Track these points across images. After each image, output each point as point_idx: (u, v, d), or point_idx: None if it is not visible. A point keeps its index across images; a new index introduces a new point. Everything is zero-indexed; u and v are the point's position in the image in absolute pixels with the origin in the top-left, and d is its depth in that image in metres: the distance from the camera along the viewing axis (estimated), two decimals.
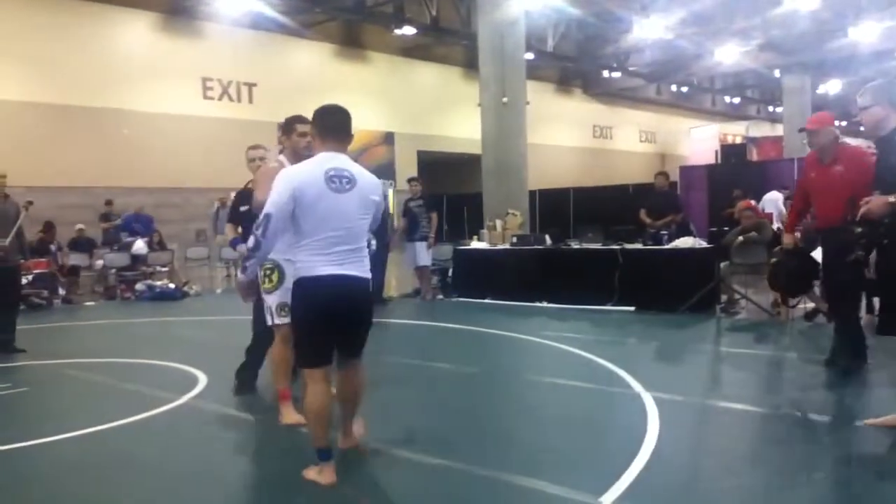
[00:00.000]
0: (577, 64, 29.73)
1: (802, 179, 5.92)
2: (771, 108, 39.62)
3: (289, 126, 4.71)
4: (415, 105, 27.60)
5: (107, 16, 19.41)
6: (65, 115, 18.37)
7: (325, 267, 3.47)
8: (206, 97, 21.63)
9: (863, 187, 4.94)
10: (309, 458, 3.70)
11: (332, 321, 3.53)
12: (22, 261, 7.75)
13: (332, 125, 3.69)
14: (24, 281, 8.85)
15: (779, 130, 34.13)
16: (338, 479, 3.56)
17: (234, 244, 5.52)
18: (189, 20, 20.93)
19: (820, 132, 5.53)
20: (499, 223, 12.08)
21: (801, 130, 5.83)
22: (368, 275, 3.65)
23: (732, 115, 38.53)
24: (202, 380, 5.96)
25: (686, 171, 19.04)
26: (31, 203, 7.94)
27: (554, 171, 26.76)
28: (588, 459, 3.99)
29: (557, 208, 19.66)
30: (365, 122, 27.39)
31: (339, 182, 3.51)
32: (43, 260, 12.31)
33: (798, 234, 7.02)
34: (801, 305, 8.57)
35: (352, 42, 26.29)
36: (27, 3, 18.11)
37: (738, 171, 17.35)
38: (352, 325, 3.66)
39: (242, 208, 5.27)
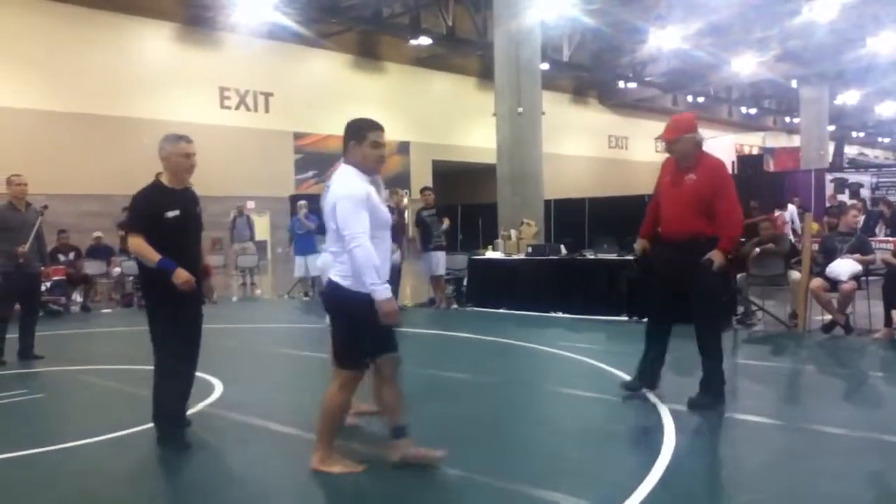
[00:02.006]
0: (592, 74, 29.74)
1: (657, 183, 5.44)
2: (788, 119, 39.45)
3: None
4: (430, 115, 27.68)
5: (127, 26, 19.62)
6: (85, 123, 18.56)
7: None
8: (223, 106, 21.81)
9: (710, 200, 4.97)
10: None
11: None
12: (42, 268, 7.81)
13: None
14: (42, 287, 8.89)
15: (795, 141, 33.96)
16: (351, 490, 3.56)
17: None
18: (207, 31, 21.12)
19: (679, 140, 5.15)
20: (514, 233, 12.07)
21: (657, 139, 5.67)
22: (336, 278, 3.74)
23: (749, 125, 38.39)
24: (218, 387, 5.98)
25: None
26: (46, 207, 8.01)
27: (569, 181, 26.73)
28: (604, 471, 3.96)
29: (572, 218, 19.61)
30: None
31: None
32: (61, 267, 12.41)
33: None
34: (819, 317, 8.51)
35: (368, 52, 26.42)
36: (48, 15, 18.33)
37: (754, 182, 17.22)
38: None
39: None
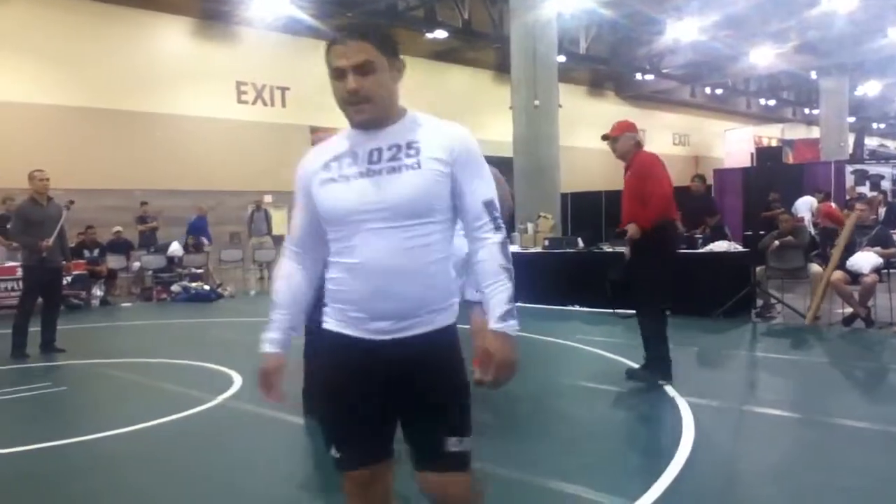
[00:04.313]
0: (609, 66, 29.55)
1: None
2: (807, 111, 39.04)
3: None
4: (446, 108, 27.54)
5: (144, 21, 19.72)
6: (104, 119, 18.69)
7: None
8: (240, 101, 21.87)
9: (640, 193, 5.40)
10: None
11: None
12: (64, 262, 7.89)
13: None
14: (63, 282, 8.99)
15: (815, 133, 33.61)
16: None
17: None
18: (224, 25, 21.19)
19: (620, 138, 5.60)
20: (530, 226, 12.06)
21: (603, 138, 5.83)
22: None
23: (768, 117, 38.04)
24: (237, 380, 6.02)
25: (720, 173, 18.80)
26: (72, 202, 8.12)
27: (586, 174, 26.63)
28: (622, 464, 3.96)
29: (589, 211, 19.53)
30: None
31: None
32: (82, 261, 12.54)
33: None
34: (840, 310, 8.44)
35: None
36: (66, 10, 18.48)
37: (773, 174, 17.07)
38: None
39: None
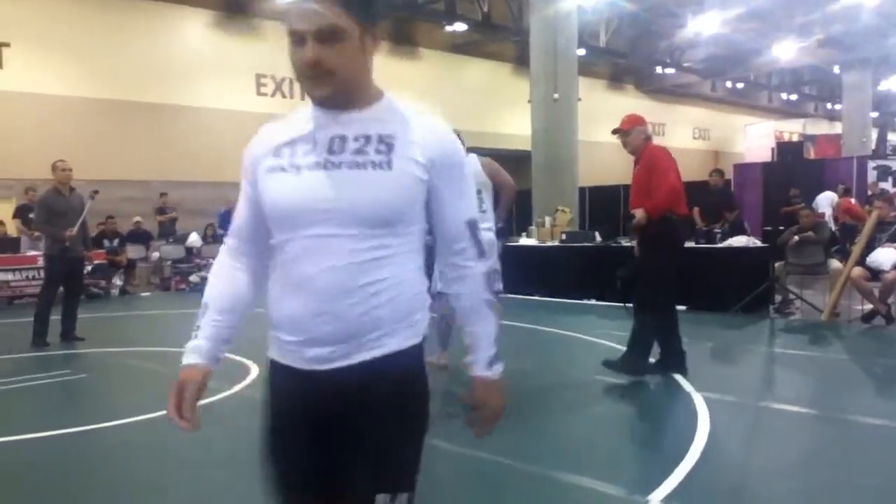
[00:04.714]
0: (629, 60, 29.39)
1: None
2: (829, 106, 38.65)
3: None
4: (465, 101, 27.58)
5: (165, 13, 19.85)
6: (124, 110, 18.84)
7: None
8: (259, 93, 21.98)
9: (648, 186, 5.39)
10: None
11: None
12: (85, 252, 7.98)
13: None
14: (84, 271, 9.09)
15: (837, 128, 33.25)
16: None
17: None
18: (244, 17, 21.28)
19: (630, 132, 5.60)
20: (548, 220, 12.04)
21: (614, 132, 5.77)
22: None
23: (789, 112, 37.67)
24: (254, 370, 6.06)
25: (741, 168, 18.66)
26: (96, 192, 8.21)
27: (604, 168, 26.52)
28: (637, 458, 3.96)
29: (608, 205, 19.44)
30: None
31: None
32: (102, 251, 12.67)
33: None
34: (859, 307, 8.37)
35: (403, 39, 26.41)
36: (89, 4, 18.62)
37: (794, 170, 16.92)
38: None
39: None
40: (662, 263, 5.45)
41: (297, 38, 1.54)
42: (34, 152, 14.65)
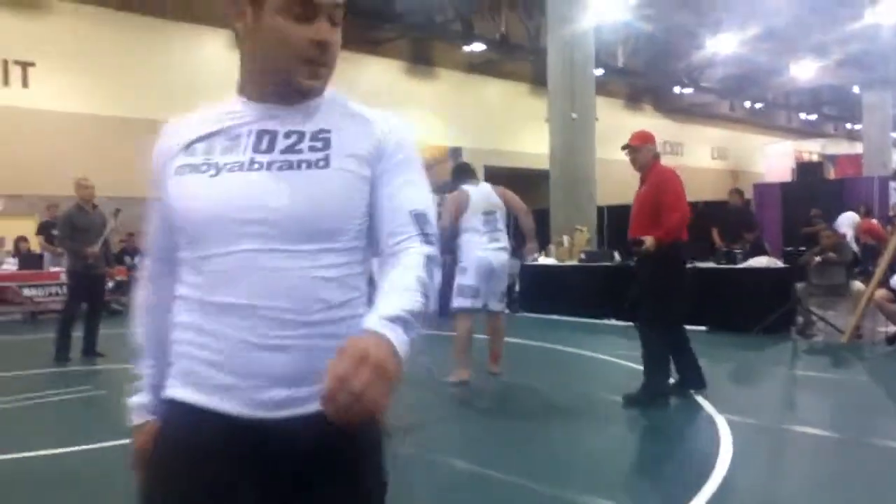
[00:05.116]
0: (647, 79, 29.42)
1: None
2: (849, 126, 38.42)
3: None
4: (482, 120, 27.69)
5: (185, 33, 20.15)
6: (147, 128, 18.89)
7: None
8: None
9: (655, 207, 5.35)
10: None
11: None
12: (107, 269, 8.05)
13: None
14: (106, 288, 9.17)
15: (857, 148, 33.02)
16: (398, 492, 3.58)
17: None
18: None
19: (641, 149, 5.53)
20: (566, 239, 12.02)
21: (623, 148, 5.73)
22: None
23: (809, 132, 37.51)
24: None
25: (760, 188, 18.59)
26: (119, 211, 8.29)
27: (623, 187, 26.46)
28: (658, 481, 3.92)
29: (626, 225, 19.42)
30: (433, 137, 27.66)
31: None
32: (123, 267, 12.78)
33: None
34: (883, 329, 8.28)
35: (420, 59, 26.59)
36: (110, 22, 18.94)
37: (814, 190, 16.84)
38: None
39: None
40: (666, 283, 5.37)
41: (308, 13, 1.27)
42: (57, 169, 14.84)
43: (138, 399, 1.48)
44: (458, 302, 6.23)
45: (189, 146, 1.33)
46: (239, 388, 1.24)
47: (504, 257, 6.36)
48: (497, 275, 6.30)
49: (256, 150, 1.29)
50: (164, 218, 1.36)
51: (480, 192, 6.41)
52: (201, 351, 1.27)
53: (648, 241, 5.25)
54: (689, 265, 9.07)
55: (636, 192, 5.67)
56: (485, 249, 6.21)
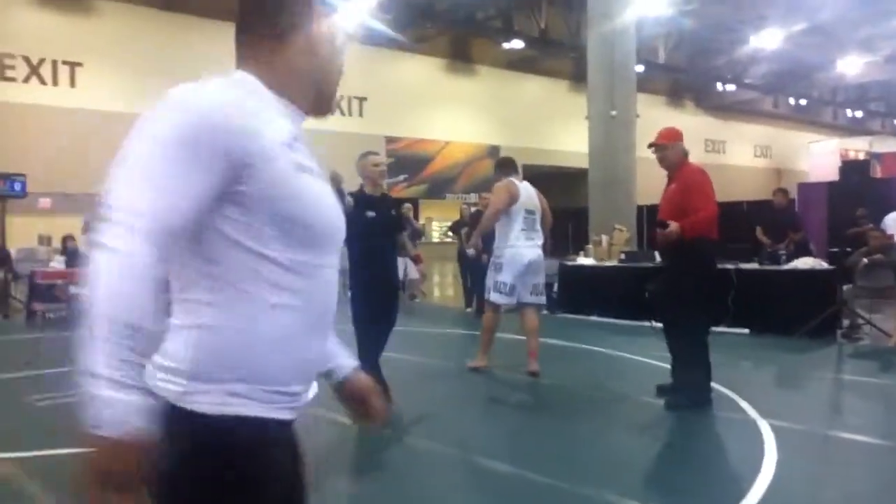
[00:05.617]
0: (689, 76, 29.06)
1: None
2: None
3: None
4: (521, 118, 27.62)
5: (228, 32, 20.41)
6: None
7: None
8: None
9: (684, 207, 5.21)
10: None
11: None
12: None
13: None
14: None
15: None
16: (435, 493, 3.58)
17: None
18: None
19: (668, 147, 5.40)
20: (605, 238, 11.91)
21: (650, 146, 5.61)
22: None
23: (855, 129, 36.71)
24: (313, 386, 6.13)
25: (805, 187, 18.24)
26: None
27: (662, 186, 26.24)
28: (700, 488, 3.87)
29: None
30: (471, 135, 27.63)
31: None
32: None
33: None
34: None
35: (460, 56, 26.59)
36: (155, 21, 19.24)
37: (860, 189, 16.44)
38: None
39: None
40: (692, 284, 5.27)
41: (342, 47, 1.40)
42: (103, 168, 15.09)
43: (132, 399, 1.06)
44: (494, 297, 6.51)
45: (291, 141, 1.26)
46: (300, 396, 1.30)
47: (539, 253, 6.55)
48: (532, 269, 6.47)
49: (311, 157, 1.30)
50: (206, 202, 1.16)
51: (526, 190, 6.55)
52: (292, 360, 1.26)
53: (673, 225, 5.15)
54: (732, 266, 9.04)
55: (664, 191, 5.57)
56: (522, 247, 6.39)
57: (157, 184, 1.13)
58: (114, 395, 1.04)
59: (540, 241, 6.56)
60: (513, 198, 6.38)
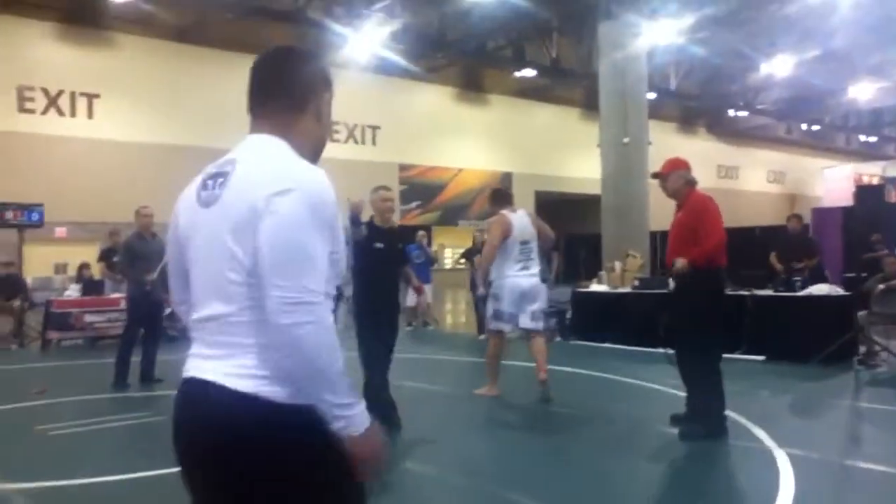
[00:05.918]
0: (701, 102, 29.12)
1: None
2: None
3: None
4: (533, 146, 27.73)
5: (237, 62, 20.63)
6: (205, 156, 19.46)
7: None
8: (332, 140, 22.53)
9: (692, 234, 5.26)
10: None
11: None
12: (165, 295, 8.23)
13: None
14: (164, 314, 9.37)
15: None
16: None
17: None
18: None
19: (669, 177, 5.46)
20: (618, 265, 11.88)
21: (653, 176, 5.68)
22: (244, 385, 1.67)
23: (869, 154, 36.59)
24: None
25: (819, 213, 18.16)
26: None
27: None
28: None
29: None
30: (484, 162, 27.73)
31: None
32: None
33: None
34: None
35: (472, 85, 26.78)
36: (165, 53, 19.51)
37: (875, 214, 16.36)
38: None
39: None
40: (702, 310, 5.27)
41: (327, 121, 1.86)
42: (119, 197, 15.30)
43: (363, 407, 1.64)
44: (493, 324, 6.76)
45: None
46: None
47: (534, 281, 6.73)
48: (529, 297, 6.65)
49: None
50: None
51: (520, 221, 6.75)
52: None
53: (679, 262, 5.21)
54: (747, 293, 8.99)
55: (673, 219, 5.61)
56: (517, 276, 6.61)
57: (315, 265, 1.59)
58: (359, 410, 1.61)
59: (536, 269, 6.76)
60: (505, 233, 6.59)
